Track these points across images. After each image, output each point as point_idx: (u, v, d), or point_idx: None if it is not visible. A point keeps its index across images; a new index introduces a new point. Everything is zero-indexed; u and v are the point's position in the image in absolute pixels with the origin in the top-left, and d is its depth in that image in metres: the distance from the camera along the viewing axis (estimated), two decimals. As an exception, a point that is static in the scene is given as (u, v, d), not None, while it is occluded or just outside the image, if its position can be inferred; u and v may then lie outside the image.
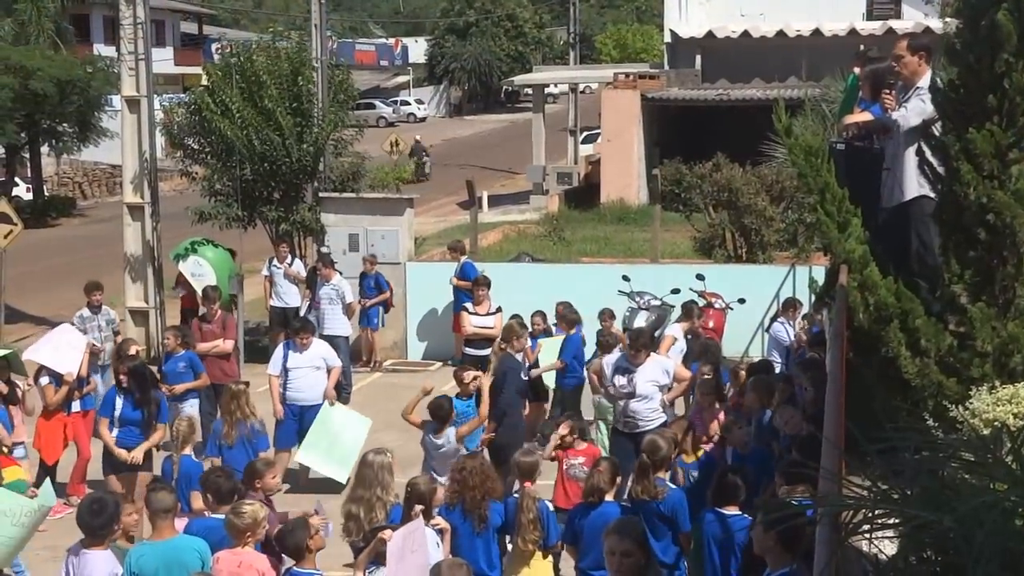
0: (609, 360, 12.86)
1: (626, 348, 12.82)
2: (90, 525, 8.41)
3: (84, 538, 8.39)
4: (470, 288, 19.02)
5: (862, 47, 17.43)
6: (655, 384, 12.36)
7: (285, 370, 14.43)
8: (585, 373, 14.51)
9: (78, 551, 8.39)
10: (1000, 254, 6.83)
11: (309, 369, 14.36)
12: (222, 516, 9.01)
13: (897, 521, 3.07)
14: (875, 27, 35.81)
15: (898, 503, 2.98)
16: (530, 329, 15.54)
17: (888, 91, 8.21)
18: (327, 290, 19.20)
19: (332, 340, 16.90)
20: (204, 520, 9.03)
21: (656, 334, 18.35)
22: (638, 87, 39.17)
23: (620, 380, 12.29)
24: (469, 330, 17.01)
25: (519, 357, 14.07)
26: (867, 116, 8.46)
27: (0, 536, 9.67)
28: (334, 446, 13.92)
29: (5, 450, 12.19)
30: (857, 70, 9.68)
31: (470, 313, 17.06)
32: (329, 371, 14.67)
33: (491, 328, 17.00)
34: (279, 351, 14.92)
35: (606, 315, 15.64)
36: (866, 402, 6.39)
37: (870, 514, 3.09)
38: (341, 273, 19.60)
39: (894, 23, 34.51)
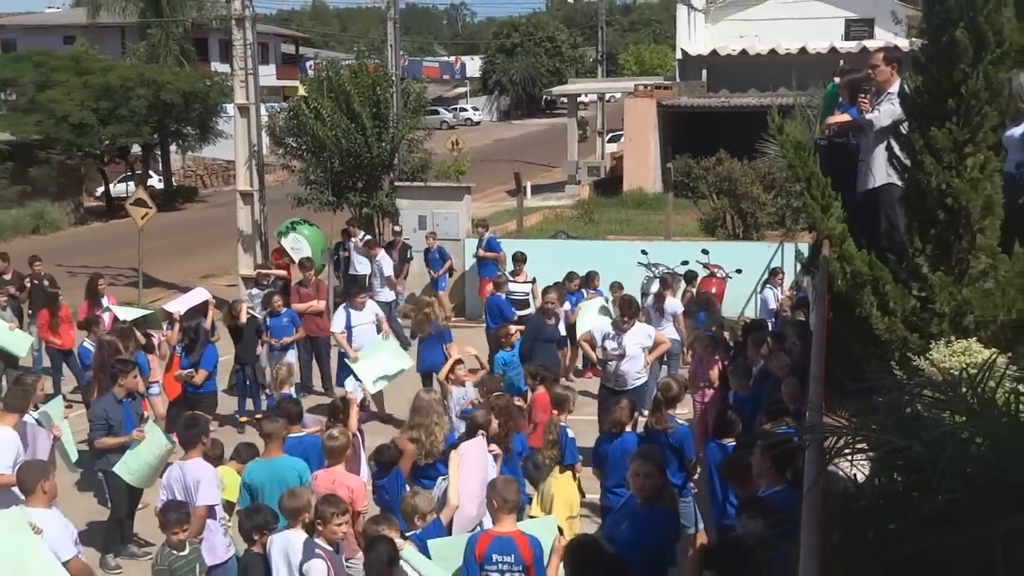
0: (599, 327, 12.72)
1: (617, 316, 12.68)
2: (185, 436, 8.65)
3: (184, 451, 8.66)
4: (494, 258, 19.26)
5: (841, 62, 17.30)
6: (640, 346, 12.23)
7: (348, 327, 14.51)
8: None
9: (178, 464, 8.56)
10: (956, 231, 6.80)
11: (367, 324, 14.39)
12: (303, 433, 9.17)
13: (872, 447, 3.06)
14: (851, 46, 35.58)
15: (875, 431, 2.97)
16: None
17: (864, 96, 8.16)
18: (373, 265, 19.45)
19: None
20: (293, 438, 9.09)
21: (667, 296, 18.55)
22: (654, 96, 39.07)
23: (611, 344, 12.17)
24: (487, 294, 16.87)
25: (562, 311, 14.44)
26: (846, 117, 8.43)
27: (142, 461, 9.82)
28: (383, 360, 13.75)
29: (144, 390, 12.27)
30: (836, 80, 9.67)
31: (509, 281, 16.97)
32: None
33: (527, 295, 16.99)
34: (340, 311, 14.86)
35: (616, 287, 15.59)
36: (844, 353, 6.39)
37: (851, 440, 3.09)
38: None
39: (867, 42, 34.28)
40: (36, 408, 10.07)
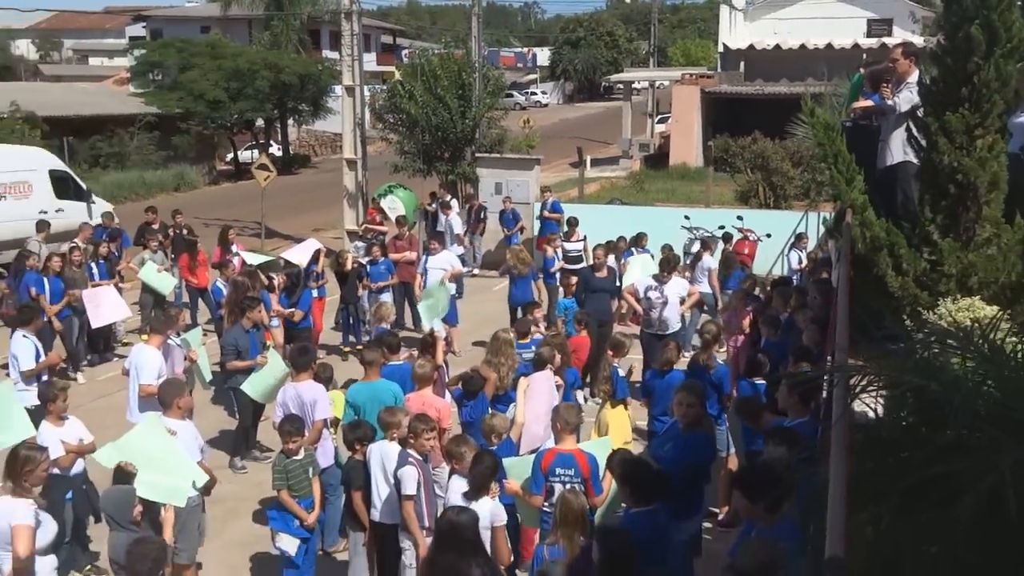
0: (642, 281, 12.66)
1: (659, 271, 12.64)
2: (298, 361, 8.77)
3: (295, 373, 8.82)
4: (556, 218, 19.10)
5: (865, 57, 16.86)
6: (679, 296, 12.23)
7: (425, 270, 14.60)
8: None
9: (292, 385, 8.68)
10: (964, 203, 6.65)
11: (439, 270, 14.43)
12: (401, 361, 9.25)
13: (893, 386, 3.01)
14: (872, 42, 34.60)
15: (896, 372, 2.92)
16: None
17: (885, 85, 7.97)
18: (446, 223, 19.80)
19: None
20: (389, 365, 9.17)
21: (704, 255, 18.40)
22: (698, 84, 38.54)
23: (654, 294, 12.12)
24: (551, 252, 16.75)
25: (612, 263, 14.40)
26: (869, 103, 8.24)
27: (264, 381, 9.95)
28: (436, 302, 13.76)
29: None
30: (862, 71, 9.44)
31: (563, 241, 16.87)
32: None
33: (580, 252, 16.76)
34: (423, 258, 15.08)
35: (666, 248, 15.38)
36: (862, 307, 6.31)
37: (873, 379, 3.03)
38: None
39: (886, 39, 33.32)
40: (178, 335, 10.28)
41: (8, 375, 9.22)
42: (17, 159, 21.44)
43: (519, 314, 12.74)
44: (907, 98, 7.41)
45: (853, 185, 7.17)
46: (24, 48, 60.30)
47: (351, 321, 14.83)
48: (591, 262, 14.00)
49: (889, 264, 6.76)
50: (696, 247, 18.11)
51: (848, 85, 11.95)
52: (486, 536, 6.10)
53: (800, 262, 15.63)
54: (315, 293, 14.09)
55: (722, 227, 18.17)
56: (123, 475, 7.00)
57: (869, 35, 37.89)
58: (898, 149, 7.51)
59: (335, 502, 8.36)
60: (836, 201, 9.14)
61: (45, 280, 13.24)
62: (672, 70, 53.08)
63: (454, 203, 20.90)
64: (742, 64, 40.04)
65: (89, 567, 8.22)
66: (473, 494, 6.31)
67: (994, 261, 6.58)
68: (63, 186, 21.43)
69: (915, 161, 7.21)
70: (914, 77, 7.45)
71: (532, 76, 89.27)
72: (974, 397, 2.63)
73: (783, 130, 22.84)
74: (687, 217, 19.34)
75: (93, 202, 21.83)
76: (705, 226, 18.83)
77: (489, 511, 6.26)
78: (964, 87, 6.42)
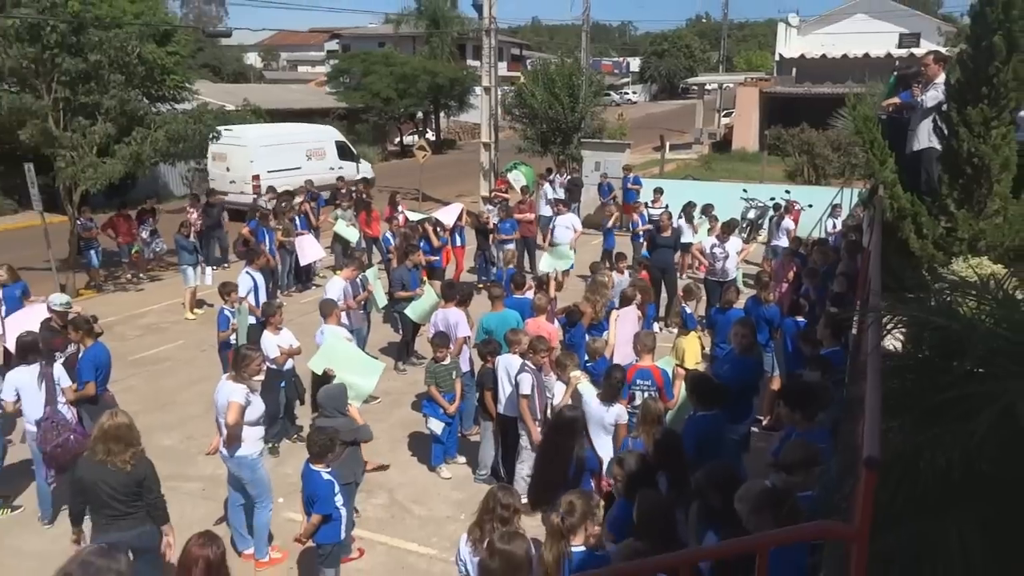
0: (708, 240, 12.38)
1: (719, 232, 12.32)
2: (447, 293, 8.82)
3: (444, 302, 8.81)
4: (636, 189, 18.63)
5: (897, 63, 15.80)
6: (736, 251, 11.90)
7: (553, 225, 14.62)
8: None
9: (442, 311, 8.70)
10: (978, 181, 6.23)
11: (563, 228, 14.42)
12: (524, 296, 9.23)
13: (919, 324, 2.83)
14: (902, 52, 32.34)
15: (922, 311, 2.74)
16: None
17: (915, 85, 7.46)
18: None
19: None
20: (515, 297, 9.18)
21: (759, 221, 17.73)
22: (758, 86, 36.88)
23: (718, 250, 11.81)
24: (635, 216, 16.25)
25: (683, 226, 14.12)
26: (899, 100, 7.75)
27: (421, 307, 10.01)
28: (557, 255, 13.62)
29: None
30: (896, 74, 8.88)
31: (648, 209, 16.43)
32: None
33: (660, 218, 16.31)
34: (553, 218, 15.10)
35: (712, 217, 14.86)
36: (888, 263, 6.02)
37: (903, 318, 2.86)
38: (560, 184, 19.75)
39: (915, 50, 31.14)
40: (362, 272, 10.52)
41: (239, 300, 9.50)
42: (317, 133, 24.94)
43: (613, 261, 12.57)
44: (933, 96, 6.95)
45: (885, 166, 6.81)
46: (252, 59, 62.03)
47: (485, 264, 14.92)
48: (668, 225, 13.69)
49: (912, 229, 6.41)
50: (751, 214, 17.57)
51: (883, 86, 11.28)
52: (611, 430, 6.22)
53: (835, 227, 14.93)
54: (457, 242, 14.23)
55: (773, 199, 17.47)
56: (325, 379, 7.25)
57: (900, 46, 35.38)
58: (924, 137, 7.07)
59: (471, 398, 8.51)
60: (870, 178, 8.69)
61: (265, 230, 13.72)
62: (737, 75, 50.80)
63: (557, 177, 20.72)
64: (794, 70, 38.09)
65: (296, 436, 8.59)
66: (608, 399, 6.35)
67: (1001, 228, 6.18)
68: (343, 151, 24.76)
69: (938, 147, 6.79)
70: (941, 78, 6.97)
71: (625, 80, 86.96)
72: (990, 336, 2.45)
73: (825, 122, 21.79)
74: (745, 190, 18.65)
75: (360, 162, 25.30)
76: (759, 197, 18.15)
77: (616, 414, 6.35)
78: (984, 86, 5.97)
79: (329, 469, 5.46)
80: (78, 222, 14.42)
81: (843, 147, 22.24)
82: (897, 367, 2.93)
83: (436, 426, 7.77)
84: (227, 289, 9.20)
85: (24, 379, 6.64)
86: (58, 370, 6.80)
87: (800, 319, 8.09)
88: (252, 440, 6.24)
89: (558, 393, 6.72)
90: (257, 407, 6.25)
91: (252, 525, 6.45)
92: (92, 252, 14.73)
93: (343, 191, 16.94)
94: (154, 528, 5.17)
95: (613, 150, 21.65)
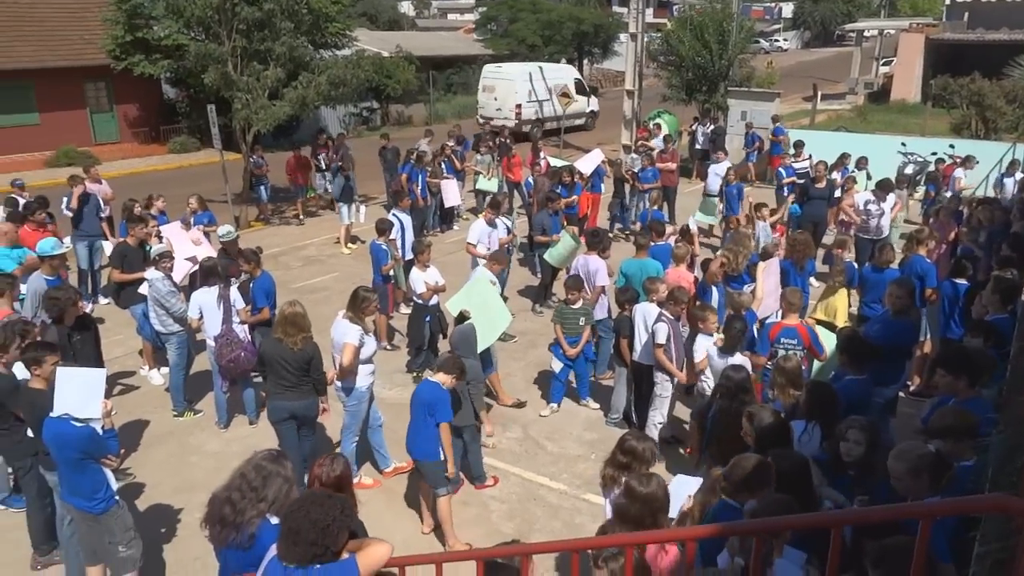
0: (862, 196, 11.51)
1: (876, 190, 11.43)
2: (590, 240, 8.57)
3: (587, 249, 8.57)
4: (780, 140, 17.60)
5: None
6: (890, 207, 11.13)
7: (706, 174, 14.09)
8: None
9: (583, 257, 8.57)
10: None
11: (716, 176, 13.77)
12: (664, 243, 8.98)
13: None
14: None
15: None
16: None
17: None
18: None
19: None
20: (657, 245, 8.94)
21: (916, 177, 16.37)
22: (923, 32, 33.63)
23: (873, 207, 11.04)
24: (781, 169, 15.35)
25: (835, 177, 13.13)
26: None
27: (561, 252, 9.99)
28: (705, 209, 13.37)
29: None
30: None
31: (793, 161, 15.42)
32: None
33: (806, 169, 15.23)
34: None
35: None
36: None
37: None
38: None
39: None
40: (503, 215, 10.57)
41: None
42: (562, 71, 29.12)
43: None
44: None
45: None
46: (406, 7, 62.91)
47: (623, 212, 14.67)
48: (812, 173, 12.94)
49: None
50: (909, 169, 16.26)
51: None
52: None
53: (1015, 187, 13.48)
54: (599, 189, 14.03)
55: (934, 153, 16.01)
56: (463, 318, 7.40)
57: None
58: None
59: (606, 344, 8.45)
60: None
61: (418, 172, 14.05)
62: (900, 19, 46.49)
63: (699, 127, 19.89)
64: (967, 15, 34.40)
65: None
66: (728, 350, 6.17)
67: None
68: (579, 87, 28.59)
69: None
70: None
71: (776, 26, 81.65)
72: None
73: (1000, 72, 19.61)
74: (903, 144, 17.18)
75: (591, 97, 29.11)
76: (919, 152, 16.70)
77: (738, 360, 6.11)
78: None
79: (448, 388, 5.58)
80: (251, 159, 15.35)
81: (1019, 99, 19.97)
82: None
83: (556, 366, 7.90)
84: (383, 227, 9.51)
85: (206, 299, 7.21)
86: (234, 293, 7.32)
87: (960, 281, 7.42)
88: (363, 375, 6.39)
89: (700, 347, 6.53)
90: (370, 346, 6.39)
91: (377, 445, 6.71)
92: (262, 187, 15.67)
93: (484, 136, 17.04)
94: (315, 400, 6.11)
95: (761, 99, 20.54)
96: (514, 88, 26.35)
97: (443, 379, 5.56)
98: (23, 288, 7.15)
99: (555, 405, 7.97)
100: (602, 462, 4.48)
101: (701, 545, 3.20)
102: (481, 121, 25.58)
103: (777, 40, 74.08)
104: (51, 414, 4.56)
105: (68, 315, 6.28)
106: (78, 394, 4.53)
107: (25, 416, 5.05)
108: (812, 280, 9.94)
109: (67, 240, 8.99)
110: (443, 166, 15.06)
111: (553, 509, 6.40)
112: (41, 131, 22.78)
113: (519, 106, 26.09)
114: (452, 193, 14.64)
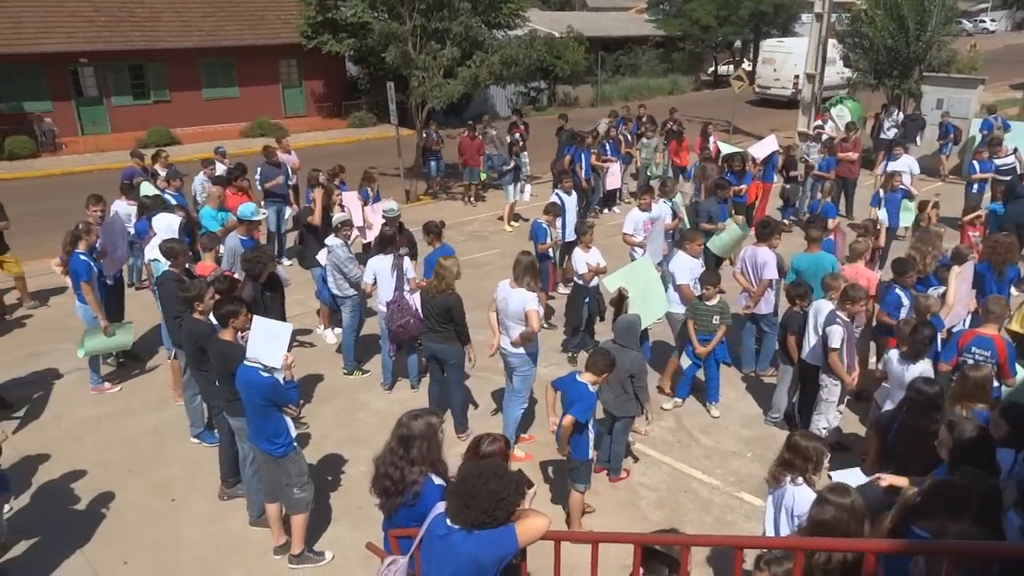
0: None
1: None
2: (760, 232, 8.13)
3: (756, 240, 8.16)
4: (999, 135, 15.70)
5: None
6: None
7: (884, 171, 12.77)
8: None
9: (752, 248, 8.20)
10: None
11: (896, 172, 12.70)
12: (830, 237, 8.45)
13: None
14: None
15: None
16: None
17: None
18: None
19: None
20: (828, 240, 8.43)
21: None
22: None
23: None
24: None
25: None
26: None
27: (726, 241, 9.59)
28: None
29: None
30: None
31: (991, 158, 13.81)
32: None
33: (1009, 165, 13.57)
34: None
35: None
36: None
37: None
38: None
39: None
40: (668, 200, 10.33)
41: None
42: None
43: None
44: None
45: None
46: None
47: (793, 203, 13.94)
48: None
49: None
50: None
51: None
52: None
53: None
54: (773, 178, 13.39)
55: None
56: (621, 299, 7.35)
57: None
58: None
59: (770, 339, 8.09)
60: None
61: (582, 153, 13.95)
62: None
63: (884, 117, 18.38)
64: None
65: (592, 349, 8.85)
66: (911, 357, 5.77)
67: None
68: None
69: None
70: None
71: (983, 5, 73.79)
72: None
73: None
74: None
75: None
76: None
77: (920, 369, 5.74)
78: None
79: (595, 388, 5.47)
80: (423, 134, 15.95)
81: None
82: None
83: (684, 361, 7.67)
84: (551, 210, 9.63)
85: (381, 266, 7.62)
86: (407, 262, 7.68)
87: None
88: (536, 342, 6.62)
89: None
90: (540, 312, 6.62)
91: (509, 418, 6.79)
92: (433, 163, 16.25)
93: (644, 119, 16.70)
94: (459, 346, 6.78)
95: (961, 86, 18.67)
96: (794, 61, 28.59)
97: (590, 378, 5.41)
98: (221, 248, 7.88)
99: (679, 400, 7.77)
100: (757, 461, 4.32)
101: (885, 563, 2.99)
102: (758, 90, 30.79)
103: (983, 21, 67.01)
104: (244, 361, 5.01)
105: (263, 273, 6.87)
106: (266, 342, 4.95)
107: (214, 364, 5.56)
108: (1012, 289, 8.95)
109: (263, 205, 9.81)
110: (607, 148, 14.92)
111: (704, 503, 6.24)
112: (240, 103, 24.93)
113: (797, 77, 27.23)
114: (611, 177, 14.54)
